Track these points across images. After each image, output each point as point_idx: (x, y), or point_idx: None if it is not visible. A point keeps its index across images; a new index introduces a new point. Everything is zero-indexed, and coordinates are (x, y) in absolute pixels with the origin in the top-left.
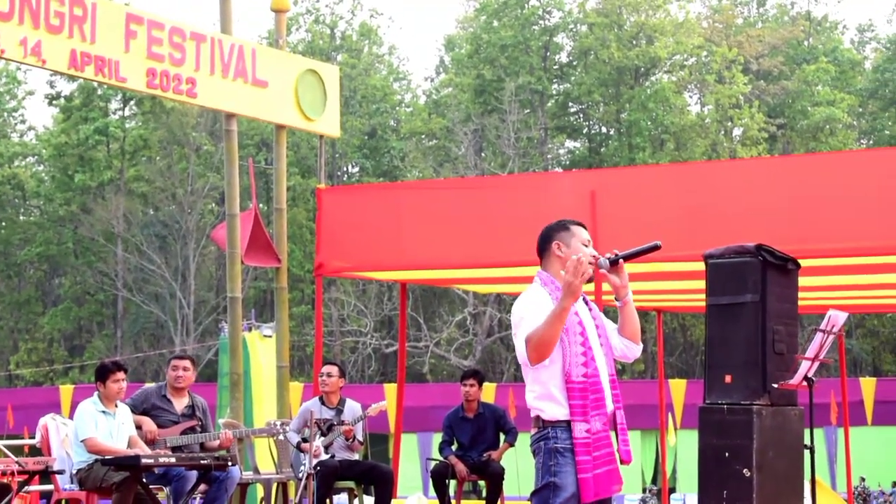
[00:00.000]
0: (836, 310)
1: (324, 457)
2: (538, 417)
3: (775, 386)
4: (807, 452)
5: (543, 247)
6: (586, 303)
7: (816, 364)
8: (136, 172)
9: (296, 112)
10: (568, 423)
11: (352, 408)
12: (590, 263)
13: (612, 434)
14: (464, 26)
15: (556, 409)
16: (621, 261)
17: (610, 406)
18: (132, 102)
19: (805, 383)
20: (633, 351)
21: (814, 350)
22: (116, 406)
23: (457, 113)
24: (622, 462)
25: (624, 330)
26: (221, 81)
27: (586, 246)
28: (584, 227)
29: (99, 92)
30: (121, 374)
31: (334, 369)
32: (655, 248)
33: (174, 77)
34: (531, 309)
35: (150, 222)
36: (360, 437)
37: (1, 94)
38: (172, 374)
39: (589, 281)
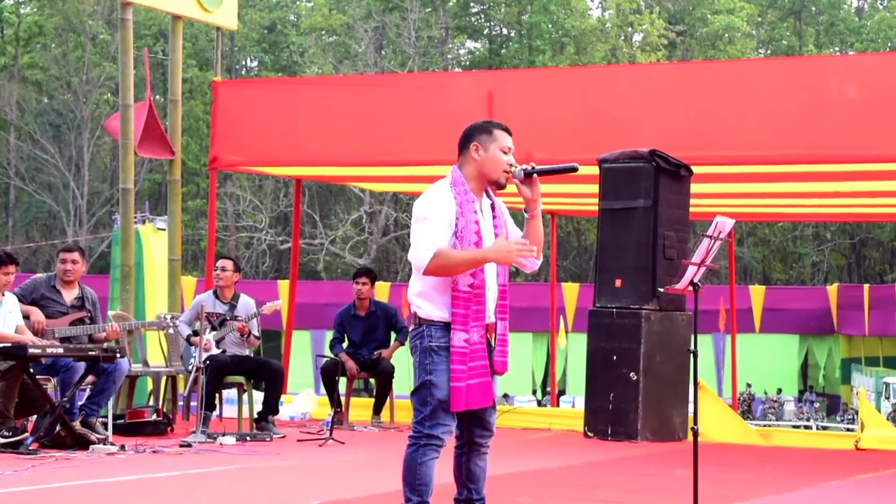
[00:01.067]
0: (725, 217)
1: (215, 351)
2: (415, 314)
3: (663, 290)
4: (691, 357)
5: (463, 144)
6: (493, 208)
7: (703, 269)
8: (31, 59)
9: (192, 2)
10: (445, 324)
11: (245, 303)
12: (504, 171)
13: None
14: None
15: (432, 310)
16: (535, 175)
17: (491, 318)
18: None
19: (690, 288)
20: (532, 263)
21: (700, 255)
22: (3, 295)
23: (358, 10)
24: (496, 372)
25: (528, 241)
26: None
27: (506, 153)
28: (509, 133)
29: None
30: (11, 268)
31: (229, 263)
32: (572, 169)
33: None
34: (435, 211)
35: (43, 111)
36: (255, 332)
37: None
38: (61, 268)
39: (500, 187)
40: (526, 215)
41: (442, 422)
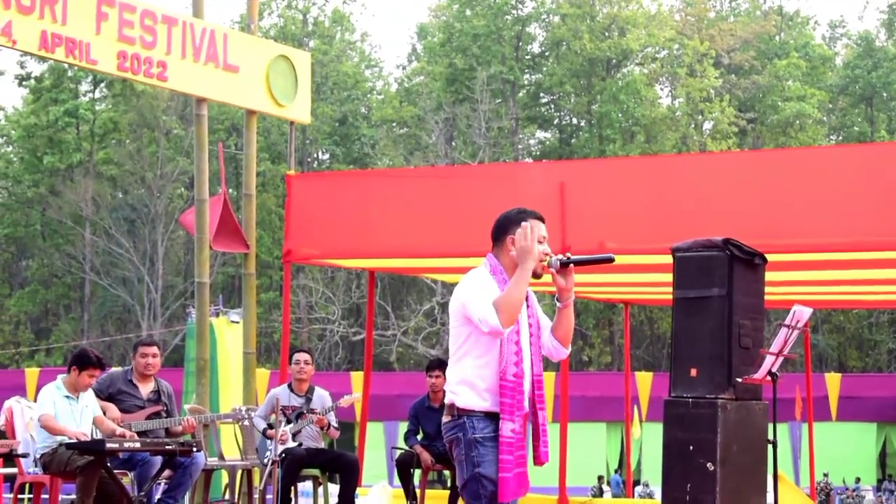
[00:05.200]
0: (802, 305)
1: (291, 444)
2: (452, 405)
3: (740, 380)
4: (770, 447)
5: (498, 235)
6: (526, 299)
7: (780, 359)
8: (106, 155)
9: (267, 97)
10: (485, 413)
11: (320, 396)
12: (540, 261)
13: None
14: (436, 15)
15: (473, 399)
16: (571, 265)
17: (526, 407)
18: (102, 85)
19: (769, 378)
20: (560, 353)
21: (778, 345)
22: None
23: (428, 101)
24: (538, 462)
25: (557, 331)
26: (193, 65)
27: (541, 243)
28: (543, 220)
29: (69, 74)
30: (98, 372)
31: (307, 357)
32: (609, 260)
33: (145, 60)
34: (481, 290)
35: (118, 206)
36: (334, 423)
37: None
38: (142, 362)
39: (537, 277)
40: (559, 304)
41: None
